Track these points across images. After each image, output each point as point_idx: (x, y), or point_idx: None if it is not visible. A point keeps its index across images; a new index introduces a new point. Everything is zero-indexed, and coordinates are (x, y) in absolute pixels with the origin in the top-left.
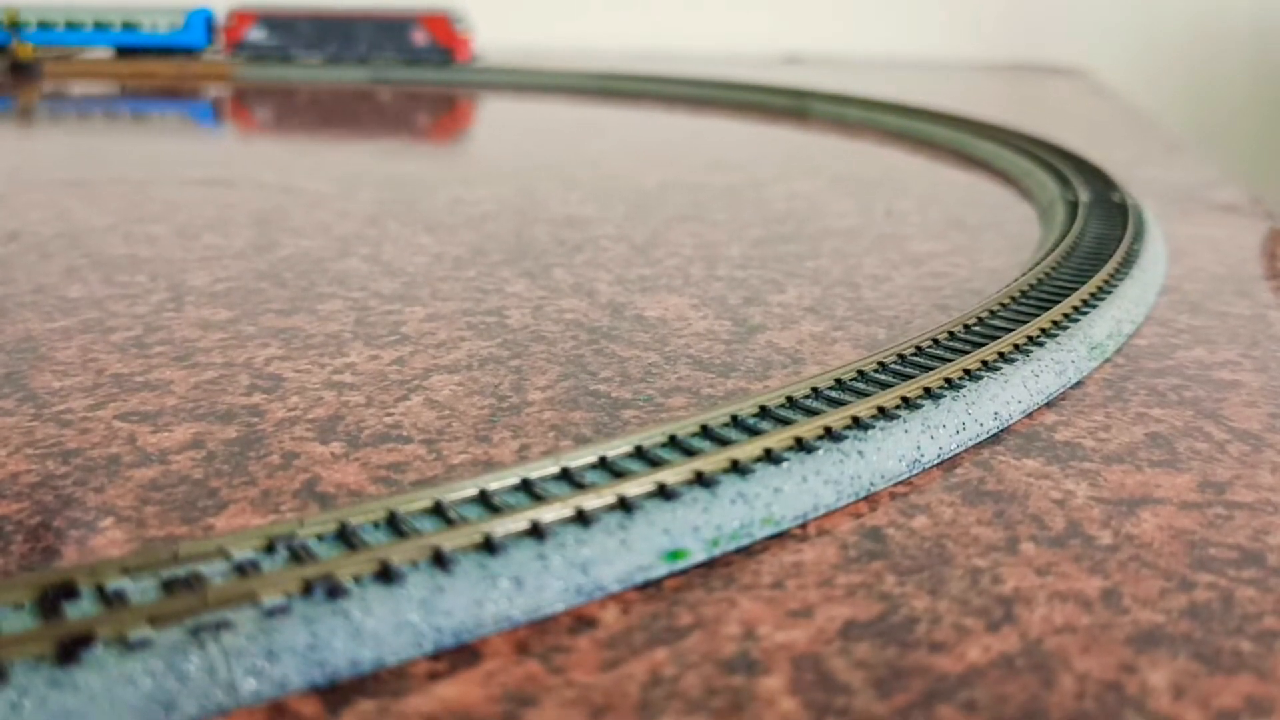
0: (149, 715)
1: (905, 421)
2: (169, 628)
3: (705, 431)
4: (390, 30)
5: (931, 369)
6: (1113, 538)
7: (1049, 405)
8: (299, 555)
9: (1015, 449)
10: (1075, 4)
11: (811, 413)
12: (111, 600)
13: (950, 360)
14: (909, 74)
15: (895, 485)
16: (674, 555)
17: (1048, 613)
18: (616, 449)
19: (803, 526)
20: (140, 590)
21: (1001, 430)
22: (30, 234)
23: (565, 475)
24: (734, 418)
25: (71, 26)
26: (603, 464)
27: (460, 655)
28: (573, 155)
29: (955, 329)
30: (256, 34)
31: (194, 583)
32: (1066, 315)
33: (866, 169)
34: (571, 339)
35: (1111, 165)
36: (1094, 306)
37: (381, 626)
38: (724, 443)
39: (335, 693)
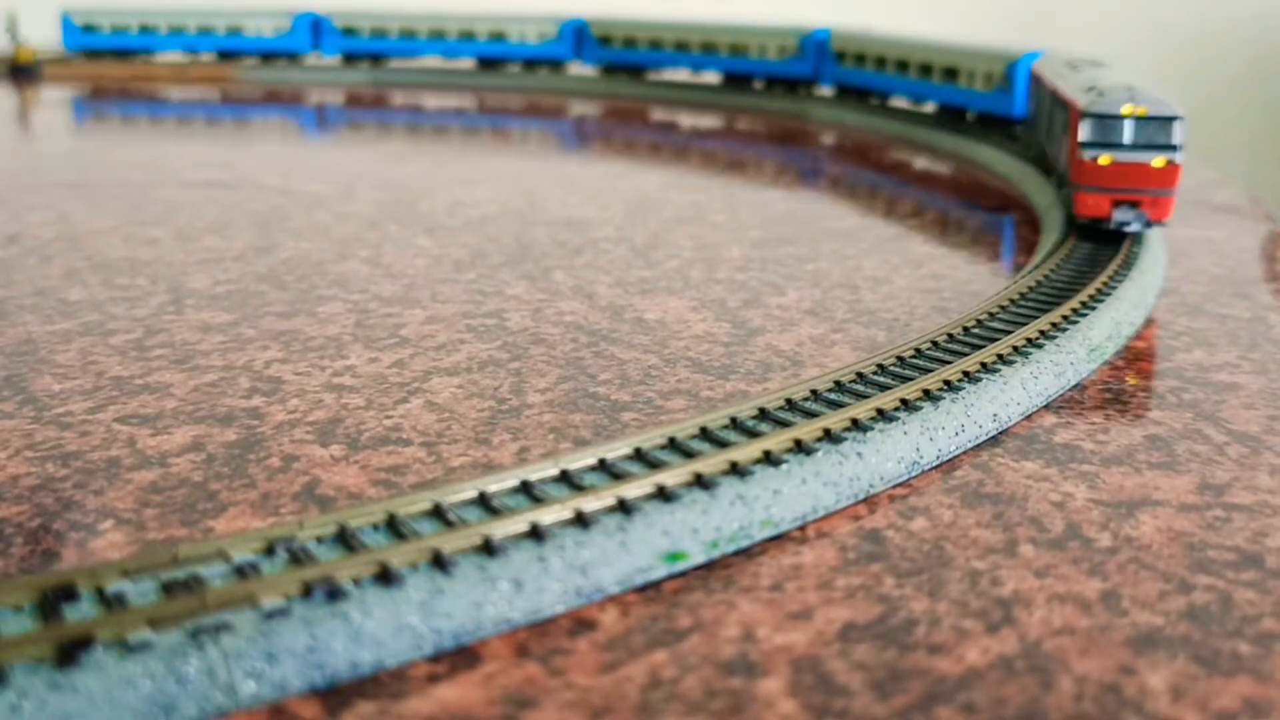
0: (148, 717)
1: (904, 424)
2: (169, 630)
3: (704, 434)
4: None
5: (930, 371)
6: (1111, 540)
7: (1048, 407)
8: (298, 557)
9: (1014, 451)
10: (1075, 2)
11: (810, 415)
12: (111, 602)
13: (949, 362)
14: None
15: (894, 487)
16: (673, 557)
17: (1047, 615)
18: (616, 451)
19: (802, 528)
20: (140, 592)
21: (1000, 432)
22: (30, 236)
23: (564, 477)
24: (733, 420)
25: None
26: (602, 466)
27: (460, 657)
28: None
29: (954, 331)
30: None
31: (194, 585)
32: (1065, 317)
33: (866, 169)
34: (571, 341)
35: None
36: (1093, 309)
37: (381, 629)
38: (723, 445)
39: (335, 695)
